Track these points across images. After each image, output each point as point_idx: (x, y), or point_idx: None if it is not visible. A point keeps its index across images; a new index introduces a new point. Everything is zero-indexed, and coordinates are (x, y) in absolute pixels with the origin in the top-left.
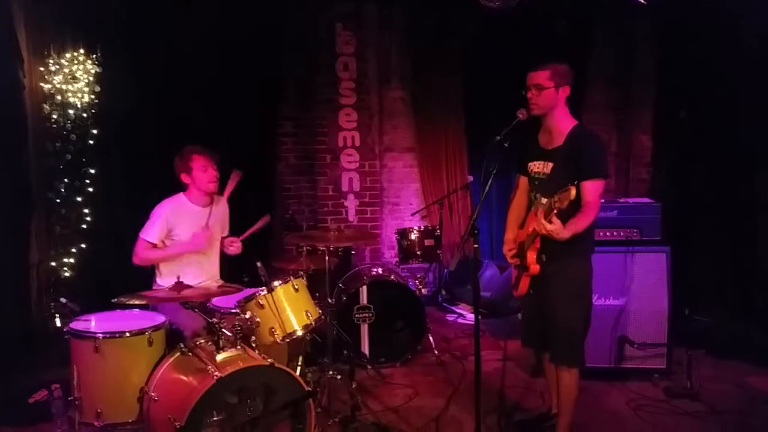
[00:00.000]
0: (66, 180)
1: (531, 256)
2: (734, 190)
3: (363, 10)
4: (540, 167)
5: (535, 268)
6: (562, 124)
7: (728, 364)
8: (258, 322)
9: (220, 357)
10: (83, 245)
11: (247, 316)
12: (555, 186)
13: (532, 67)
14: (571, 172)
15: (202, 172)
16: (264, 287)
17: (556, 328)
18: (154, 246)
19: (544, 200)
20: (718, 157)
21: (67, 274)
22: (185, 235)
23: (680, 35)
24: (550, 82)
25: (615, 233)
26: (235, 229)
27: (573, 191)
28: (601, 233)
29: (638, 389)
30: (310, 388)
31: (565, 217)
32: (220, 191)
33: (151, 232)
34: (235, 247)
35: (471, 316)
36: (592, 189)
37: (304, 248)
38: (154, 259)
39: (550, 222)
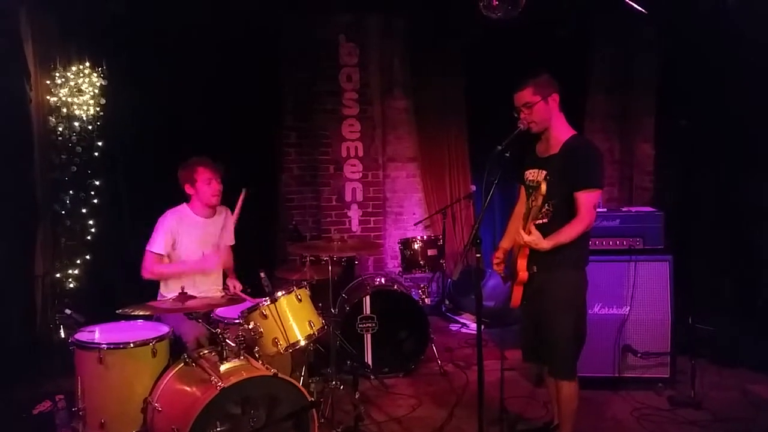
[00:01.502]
0: (71, 192)
1: (521, 263)
2: (737, 198)
3: (365, 21)
4: (534, 175)
5: (523, 276)
6: (559, 133)
7: (732, 372)
8: (261, 332)
9: (223, 367)
10: (88, 256)
11: (251, 326)
12: (546, 194)
13: (515, 90)
14: (564, 181)
15: (205, 185)
16: (267, 297)
17: (548, 341)
18: (161, 258)
19: None
20: (721, 165)
21: (72, 286)
22: (188, 245)
23: (681, 43)
24: (536, 96)
25: (618, 242)
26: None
27: (543, 187)
28: (604, 242)
29: (642, 398)
30: (313, 399)
31: (557, 225)
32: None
33: (157, 244)
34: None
35: (474, 326)
36: (585, 200)
37: (308, 258)
38: (165, 275)
39: (529, 232)
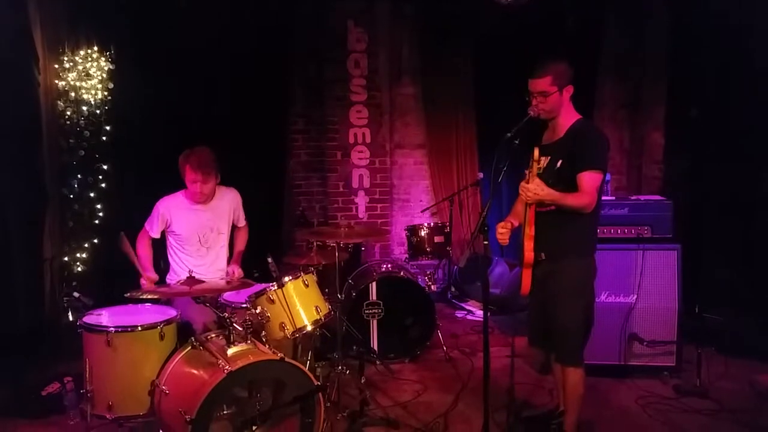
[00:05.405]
0: (79, 176)
1: (527, 244)
2: (746, 187)
3: (375, 7)
4: (542, 163)
5: (529, 256)
6: (565, 120)
7: (738, 362)
8: (268, 317)
9: (230, 351)
10: (96, 240)
11: (258, 311)
12: (549, 177)
13: (532, 74)
14: (566, 163)
15: (190, 183)
16: (274, 283)
17: (556, 327)
18: (150, 236)
19: None
20: (730, 155)
21: (79, 269)
22: (183, 230)
23: (692, 32)
24: (553, 86)
25: (626, 230)
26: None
27: (536, 151)
28: (612, 230)
29: (647, 387)
30: (319, 383)
31: (564, 211)
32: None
33: (152, 225)
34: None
35: (480, 313)
36: (587, 180)
37: (315, 244)
38: (133, 254)
39: (527, 182)
